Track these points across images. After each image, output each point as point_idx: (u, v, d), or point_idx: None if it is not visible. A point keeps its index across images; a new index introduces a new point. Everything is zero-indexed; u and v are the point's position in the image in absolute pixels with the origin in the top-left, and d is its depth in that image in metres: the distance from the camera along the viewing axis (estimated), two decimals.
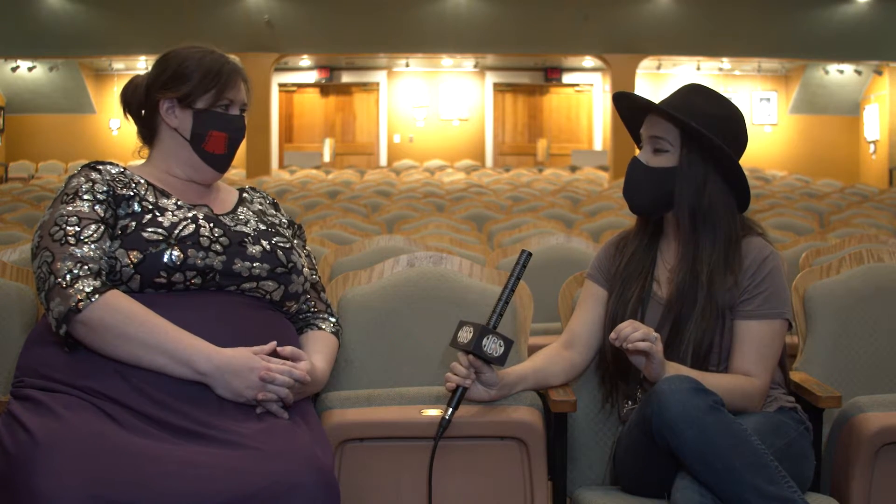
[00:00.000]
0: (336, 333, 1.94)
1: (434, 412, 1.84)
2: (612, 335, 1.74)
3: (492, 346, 1.77)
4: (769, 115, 16.70)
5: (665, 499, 1.74)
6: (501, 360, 1.78)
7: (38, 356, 1.66)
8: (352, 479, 1.83)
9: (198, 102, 1.82)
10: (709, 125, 1.85)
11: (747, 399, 1.82)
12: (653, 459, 1.74)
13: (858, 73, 15.62)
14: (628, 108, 1.99)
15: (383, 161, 16.42)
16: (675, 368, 1.78)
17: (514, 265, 1.84)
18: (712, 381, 1.75)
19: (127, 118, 1.91)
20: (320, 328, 1.92)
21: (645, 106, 1.93)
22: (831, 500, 1.76)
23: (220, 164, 1.87)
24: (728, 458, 1.59)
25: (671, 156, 1.89)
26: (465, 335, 1.78)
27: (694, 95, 1.92)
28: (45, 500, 1.39)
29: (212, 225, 1.76)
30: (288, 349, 1.71)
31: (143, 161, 1.91)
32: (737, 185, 1.90)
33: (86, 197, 1.72)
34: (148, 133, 1.90)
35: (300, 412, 1.68)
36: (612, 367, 1.95)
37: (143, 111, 1.88)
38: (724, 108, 1.91)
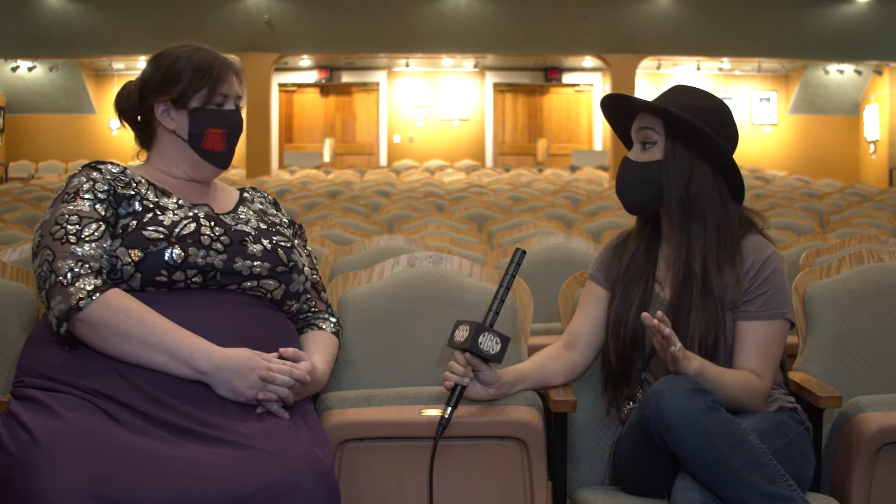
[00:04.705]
0: (336, 333, 1.94)
1: (434, 412, 1.83)
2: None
3: (488, 343, 1.77)
4: (769, 115, 16.70)
5: (665, 499, 1.75)
6: (499, 358, 1.78)
7: (39, 356, 1.66)
8: (352, 479, 1.83)
9: (192, 102, 1.82)
10: (692, 115, 1.85)
11: (757, 398, 1.82)
12: (652, 459, 1.74)
13: (858, 73, 15.61)
14: (613, 112, 1.99)
15: (383, 161, 16.42)
16: (698, 361, 1.76)
17: (509, 264, 1.84)
18: (729, 376, 1.78)
19: (123, 125, 1.91)
20: (321, 328, 1.92)
21: (626, 103, 1.94)
22: (831, 500, 1.76)
23: (220, 160, 1.87)
24: (727, 458, 1.59)
25: (658, 148, 1.89)
26: (462, 333, 1.78)
27: (676, 93, 1.93)
28: (46, 500, 1.39)
29: (212, 223, 1.76)
30: (289, 350, 1.71)
31: (141, 162, 1.91)
32: (727, 174, 1.90)
33: (87, 196, 1.72)
34: (145, 137, 1.89)
35: (300, 412, 1.68)
36: (616, 369, 1.95)
37: (138, 116, 1.88)
38: (707, 100, 1.91)
